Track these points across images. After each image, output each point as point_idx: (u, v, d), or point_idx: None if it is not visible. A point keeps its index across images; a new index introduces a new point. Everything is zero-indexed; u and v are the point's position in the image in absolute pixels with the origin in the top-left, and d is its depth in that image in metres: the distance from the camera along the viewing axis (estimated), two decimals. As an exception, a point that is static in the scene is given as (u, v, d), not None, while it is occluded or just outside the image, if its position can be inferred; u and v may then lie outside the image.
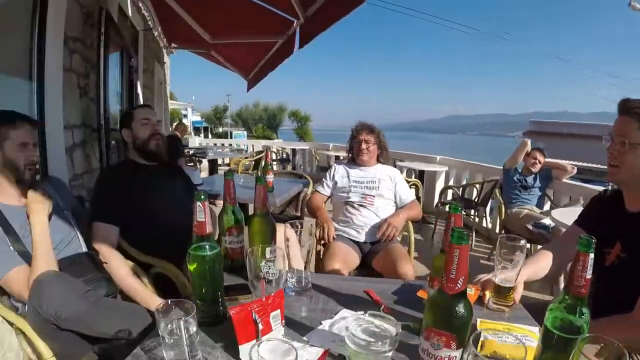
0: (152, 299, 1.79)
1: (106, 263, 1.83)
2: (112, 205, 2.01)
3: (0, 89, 2.36)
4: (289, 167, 10.15)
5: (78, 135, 3.12)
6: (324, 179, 2.89)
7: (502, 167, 4.65)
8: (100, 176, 2.30)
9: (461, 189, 5.71)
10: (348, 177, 2.76)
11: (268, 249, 1.14)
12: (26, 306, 1.54)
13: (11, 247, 1.55)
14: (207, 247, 1.08)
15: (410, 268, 2.24)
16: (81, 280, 1.59)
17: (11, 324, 1.57)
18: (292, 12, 3.73)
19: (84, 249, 1.81)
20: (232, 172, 1.47)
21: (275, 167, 9.88)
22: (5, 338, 1.72)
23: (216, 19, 4.85)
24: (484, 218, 5.52)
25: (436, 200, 6.00)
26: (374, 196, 2.64)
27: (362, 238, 2.62)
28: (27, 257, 1.56)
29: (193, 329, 0.91)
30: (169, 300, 0.96)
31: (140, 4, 5.38)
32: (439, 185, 6.60)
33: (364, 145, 2.71)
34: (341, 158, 8.44)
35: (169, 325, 0.91)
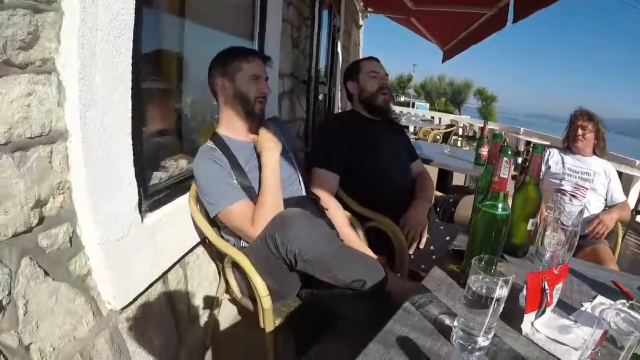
0: (366, 252, 1.72)
1: (327, 209, 1.79)
2: (336, 154, 1.99)
3: (231, 32, 2.46)
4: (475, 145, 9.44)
5: (287, 84, 3.19)
6: None
7: None
8: (325, 123, 2.34)
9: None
10: (563, 163, 2.62)
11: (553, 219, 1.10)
12: (242, 241, 1.57)
13: (235, 180, 1.55)
14: (499, 206, 1.04)
15: None
16: None
17: (222, 257, 1.61)
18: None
19: (304, 192, 1.78)
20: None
21: (460, 144, 9.28)
22: (203, 267, 1.80)
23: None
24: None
25: (631, 207, 5.02)
26: (587, 189, 2.50)
27: None
28: (249, 192, 1.55)
29: (504, 292, 0.79)
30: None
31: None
32: (634, 192, 5.83)
33: (580, 132, 2.56)
34: (531, 144, 7.74)
35: (479, 281, 0.80)
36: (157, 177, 1.61)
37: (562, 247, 1.07)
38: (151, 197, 1.45)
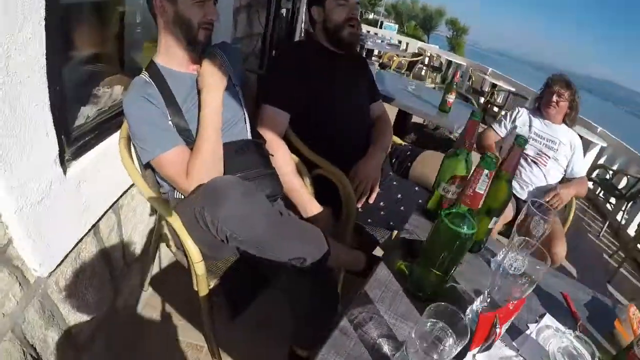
0: (310, 203, 1.67)
1: (272, 155, 1.64)
2: (288, 90, 1.79)
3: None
4: (439, 78, 9.33)
5: (245, -3, 2.94)
6: (502, 118, 2.75)
7: None
8: (278, 54, 2.13)
9: (611, 172, 5.29)
10: (530, 126, 2.59)
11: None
12: (175, 190, 1.43)
13: (170, 121, 1.36)
14: (466, 222, 0.90)
15: (563, 250, 2.17)
16: (244, 174, 1.43)
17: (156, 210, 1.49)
18: None
19: (249, 133, 1.59)
20: (479, 114, 1.22)
21: (424, 73, 9.08)
22: (138, 209, 1.72)
23: None
24: (622, 212, 5.03)
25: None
26: (549, 157, 2.50)
27: (524, 195, 2.53)
28: (185, 135, 1.38)
29: (455, 349, 0.72)
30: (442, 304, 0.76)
31: None
32: (588, 158, 5.85)
33: (554, 98, 2.50)
34: (496, 87, 7.98)
35: (427, 327, 0.74)
36: (84, 114, 1.37)
37: (525, 281, 0.89)
38: (76, 142, 1.24)
